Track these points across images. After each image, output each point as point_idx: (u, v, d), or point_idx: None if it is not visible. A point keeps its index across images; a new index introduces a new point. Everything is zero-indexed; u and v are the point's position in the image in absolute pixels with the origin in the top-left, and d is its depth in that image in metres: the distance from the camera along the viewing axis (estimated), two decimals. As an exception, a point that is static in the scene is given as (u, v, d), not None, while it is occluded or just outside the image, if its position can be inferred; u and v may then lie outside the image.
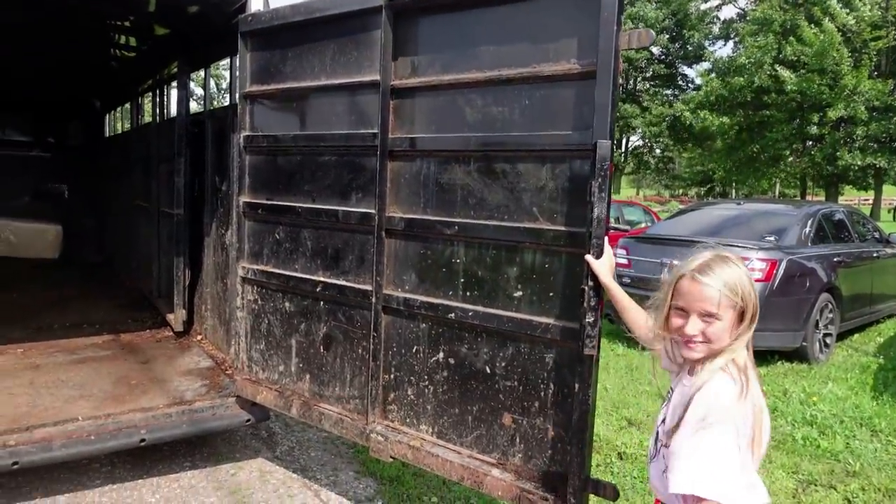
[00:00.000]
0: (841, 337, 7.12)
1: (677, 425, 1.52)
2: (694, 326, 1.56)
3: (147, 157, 6.43)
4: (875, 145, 25.32)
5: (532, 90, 2.38)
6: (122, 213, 7.90)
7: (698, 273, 1.56)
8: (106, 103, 9.38)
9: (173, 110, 5.32)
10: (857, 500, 3.59)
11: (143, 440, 3.32)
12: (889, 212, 32.75)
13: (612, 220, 11.82)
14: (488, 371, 2.60)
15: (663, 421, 1.67)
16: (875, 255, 7.73)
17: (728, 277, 1.54)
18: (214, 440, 4.13)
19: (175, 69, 5.31)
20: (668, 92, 44.59)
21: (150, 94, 6.67)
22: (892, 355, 6.69)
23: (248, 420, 3.67)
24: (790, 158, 28.65)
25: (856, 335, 7.63)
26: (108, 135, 9.56)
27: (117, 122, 9.53)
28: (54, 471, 3.51)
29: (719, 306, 1.53)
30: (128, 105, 8.12)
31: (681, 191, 51.18)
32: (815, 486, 3.74)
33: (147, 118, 7.54)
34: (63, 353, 4.61)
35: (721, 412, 1.46)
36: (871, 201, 31.47)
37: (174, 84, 5.57)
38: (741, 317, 1.55)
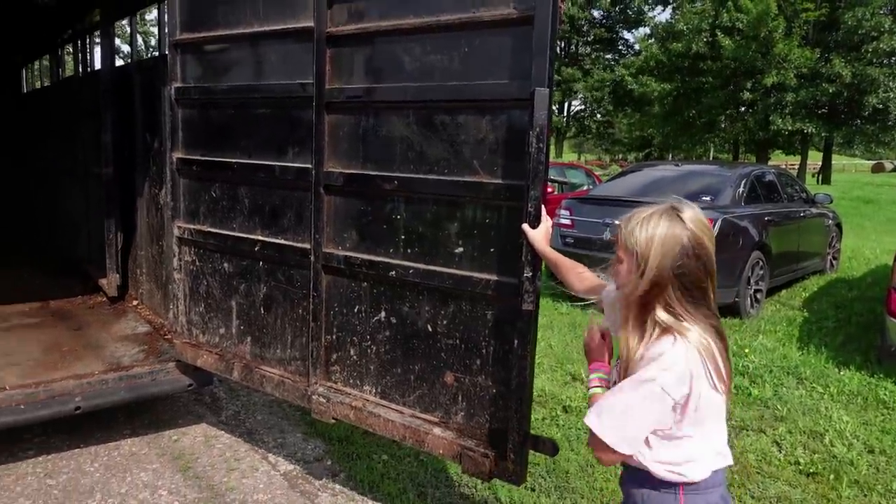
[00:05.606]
0: (770, 293, 7.41)
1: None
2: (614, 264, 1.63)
3: (71, 113, 6.05)
4: (803, 111, 26.31)
5: (471, 37, 2.31)
6: (45, 175, 7.46)
7: (625, 216, 1.59)
8: (24, 57, 8.76)
9: (97, 63, 5.01)
10: (784, 443, 3.79)
11: (77, 408, 3.20)
12: (813, 175, 34.20)
13: (556, 181, 11.97)
14: (430, 329, 2.58)
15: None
16: (802, 214, 8.06)
17: (639, 224, 1.51)
18: (155, 407, 4.02)
19: (98, 17, 4.98)
20: (609, 56, 45.02)
21: (71, 45, 6.26)
22: (816, 309, 7.04)
23: (190, 385, 3.58)
24: (724, 124, 29.48)
25: (783, 291, 7.98)
26: (25, 91, 8.96)
27: (35, 79, 8.94)
28: (-21, 442, 3.35)
29: (619, 247, 1.57)
30: (46, 59, 7.60)
31: (620, 155, 52.11)
32: (747, 430, 3.93)
33: (69, 72, 7.09)
34: (-14, 322, 4.37)
35: (656, 369, 1.47)
36: (797, 166, 32.77)
37: (98, 35, 5.24)
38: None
